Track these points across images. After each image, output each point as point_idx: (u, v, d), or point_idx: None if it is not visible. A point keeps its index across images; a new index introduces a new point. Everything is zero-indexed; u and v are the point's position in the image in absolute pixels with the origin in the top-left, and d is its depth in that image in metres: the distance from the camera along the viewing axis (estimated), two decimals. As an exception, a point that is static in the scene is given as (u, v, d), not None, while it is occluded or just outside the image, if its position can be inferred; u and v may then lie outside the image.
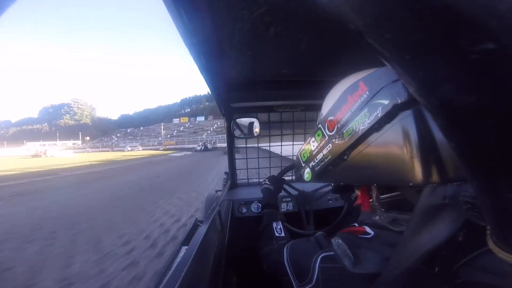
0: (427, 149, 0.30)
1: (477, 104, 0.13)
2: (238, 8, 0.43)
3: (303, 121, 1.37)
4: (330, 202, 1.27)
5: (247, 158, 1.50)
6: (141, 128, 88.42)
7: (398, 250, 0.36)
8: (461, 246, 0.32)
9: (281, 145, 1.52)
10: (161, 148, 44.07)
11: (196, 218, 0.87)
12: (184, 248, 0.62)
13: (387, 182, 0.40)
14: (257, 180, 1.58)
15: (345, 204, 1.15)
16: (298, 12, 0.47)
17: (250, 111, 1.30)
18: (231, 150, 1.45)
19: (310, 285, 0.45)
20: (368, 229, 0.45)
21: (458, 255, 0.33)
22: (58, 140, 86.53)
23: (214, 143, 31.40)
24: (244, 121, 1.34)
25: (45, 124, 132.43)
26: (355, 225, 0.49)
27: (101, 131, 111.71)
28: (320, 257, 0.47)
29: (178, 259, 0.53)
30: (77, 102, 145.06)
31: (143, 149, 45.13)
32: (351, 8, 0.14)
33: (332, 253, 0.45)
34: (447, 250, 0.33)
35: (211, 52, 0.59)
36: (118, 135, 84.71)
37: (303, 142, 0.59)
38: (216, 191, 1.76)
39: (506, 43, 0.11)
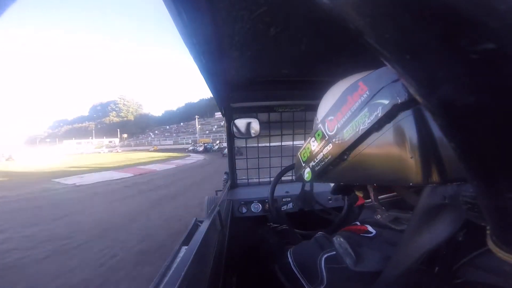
0: (427, 149, 0.30)
1: (477, 104, 0.13)
2: (238, 8, 0.43)
3: (303, 121, 1.37)
4: (330, 202, 1.27)
5: (247, 158, 1.50)
6: (181, 124, 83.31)
7: (399, 250, 0.36)
8: (461, 246, 0.32)
9: (281, 145, 1.52)
10: (151, 149, 36.89)
11: (196, 218, 0.87)
12: (184, 248, 0.61)
13: (387, 182, 0.40)
14: (257, 180, 1.58)
15: (345, 204, 1.15)
16: (298, 12, 0.47)
17: (250, 111, 1.30)
18: (231, 150, 1.45)
19: (322, 286, 0.45)
20: (370, 228, 0.45)
21: (458, 255, 0.33)
22: (93, 137, 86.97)
23: (220, 143, 24.39)
24: (244, 121, 1.34)
25: (92, 122, 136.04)
26: (357, 224, 0.49)
27: (140, 128, 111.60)
28: (323, 258, 0.47)
29: (178, 259, 0.53)
30: (123, 99, 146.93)
31: (122, 151, 39.48)
32: (351, 8, 0.14)
33: (334, 252, 0.45)
34: (447, 250, 0.33)
35: (211, 52, 0.59)
36: (156, 132, 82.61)
37: (303, 142, 0.59)
38: (216, 191, 1.77)
39: (506, 43, 0.11)
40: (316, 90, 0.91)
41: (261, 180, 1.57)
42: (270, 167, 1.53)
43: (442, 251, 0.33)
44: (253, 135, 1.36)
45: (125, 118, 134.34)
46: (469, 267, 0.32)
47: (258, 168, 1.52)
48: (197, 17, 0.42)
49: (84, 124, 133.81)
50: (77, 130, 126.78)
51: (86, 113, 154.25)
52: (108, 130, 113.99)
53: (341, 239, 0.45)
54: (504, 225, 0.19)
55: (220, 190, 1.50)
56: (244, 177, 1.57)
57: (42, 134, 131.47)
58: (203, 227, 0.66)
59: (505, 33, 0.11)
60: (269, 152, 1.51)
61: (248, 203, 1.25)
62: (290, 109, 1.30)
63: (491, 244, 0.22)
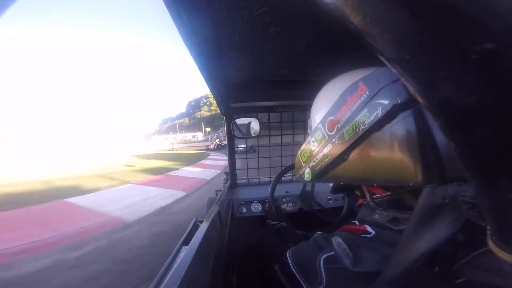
0: (427, 149, 0.30)
1: (477, 104, 0.13)
2: (238, 8, 0.43)
3: (303, 121, 1.37)
4: (330, 202, 1.27)
5: (247, 158, 1.50)
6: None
7: (399, 249, 0.36)
8: (461, 246, 0.32)
9: (281, 145, 1.52)
10: (170, 148, 33.20)
11: (196, 218, 0.87)
12: (184, 248, 0.61)
13: (387, 183, 0.40)
14: (257, 180, 1.58)
15: (345, 204, 1.15)
16: (298, 12, 0.47)
17: (250, 111, 1.30)
18: (231, 150, 1.45)
19: (321, 286, 0.45)
20: (369, 228, 0.45)
21: (458, 255, 0.33)
22: (178, 133, 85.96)
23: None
24: (244, 121, 1.34)
25: (187, 117, 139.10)
26: (355, 223, 0.49)
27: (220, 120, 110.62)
28: (322, 258, 0.47)
29: (178, 259, 0.53)
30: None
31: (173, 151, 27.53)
32: (351, 8, 0.14)
33: (333, 253, 0.45)
34: (447, 250, 0.33)
35: (211, 52, 0.59)
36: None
37: (303, 142, 0.59)
38: (216, 191, 1.77)
39: (506, 43, 0.11)
40: (316, 90, 0.91)
41: (261, 180, 1.57)
42: (270, 167, 1.53)
43: (442, 251, 0.33)
44: (253, 135, 1.37)
45: (214, 112, 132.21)
46: (469, 267, 0.32)
47: (258, 168, 1.52)
48: (197, 17, 0.42)
49: (180, 120, 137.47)
50: (175, 126, 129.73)
51: (184, 109, 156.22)
52: (200, 124, 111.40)
53: (340, 240, 0.45)
54: (504, 225, 0.19)
55: (220, 190, 1.50)
56: (244, 177, 1.57)
57: (151, 132, 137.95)
58: (203, 227, 0.66)
59: (505, 33, 0.11)
60: (269, 152, 1.51)
61: (248, 203, 1.25)
62: (290, 109, 1.30)
63: (491, 244, 0.22)
